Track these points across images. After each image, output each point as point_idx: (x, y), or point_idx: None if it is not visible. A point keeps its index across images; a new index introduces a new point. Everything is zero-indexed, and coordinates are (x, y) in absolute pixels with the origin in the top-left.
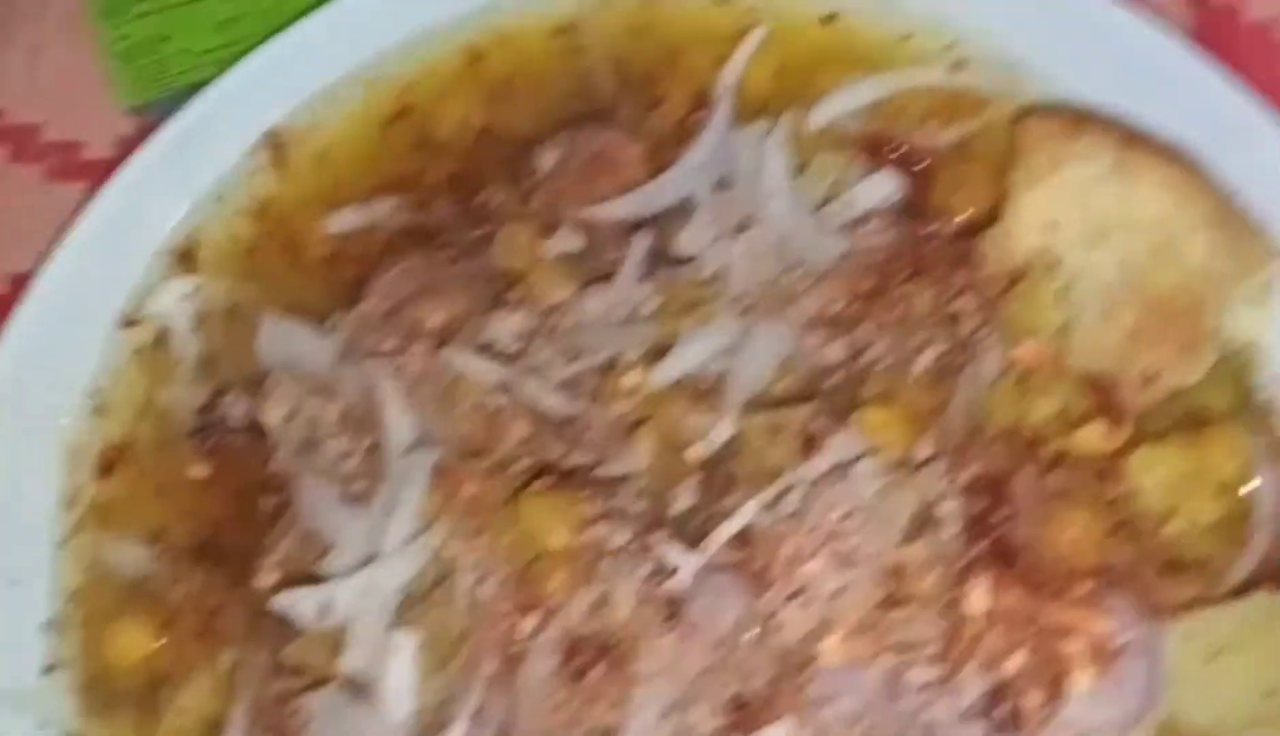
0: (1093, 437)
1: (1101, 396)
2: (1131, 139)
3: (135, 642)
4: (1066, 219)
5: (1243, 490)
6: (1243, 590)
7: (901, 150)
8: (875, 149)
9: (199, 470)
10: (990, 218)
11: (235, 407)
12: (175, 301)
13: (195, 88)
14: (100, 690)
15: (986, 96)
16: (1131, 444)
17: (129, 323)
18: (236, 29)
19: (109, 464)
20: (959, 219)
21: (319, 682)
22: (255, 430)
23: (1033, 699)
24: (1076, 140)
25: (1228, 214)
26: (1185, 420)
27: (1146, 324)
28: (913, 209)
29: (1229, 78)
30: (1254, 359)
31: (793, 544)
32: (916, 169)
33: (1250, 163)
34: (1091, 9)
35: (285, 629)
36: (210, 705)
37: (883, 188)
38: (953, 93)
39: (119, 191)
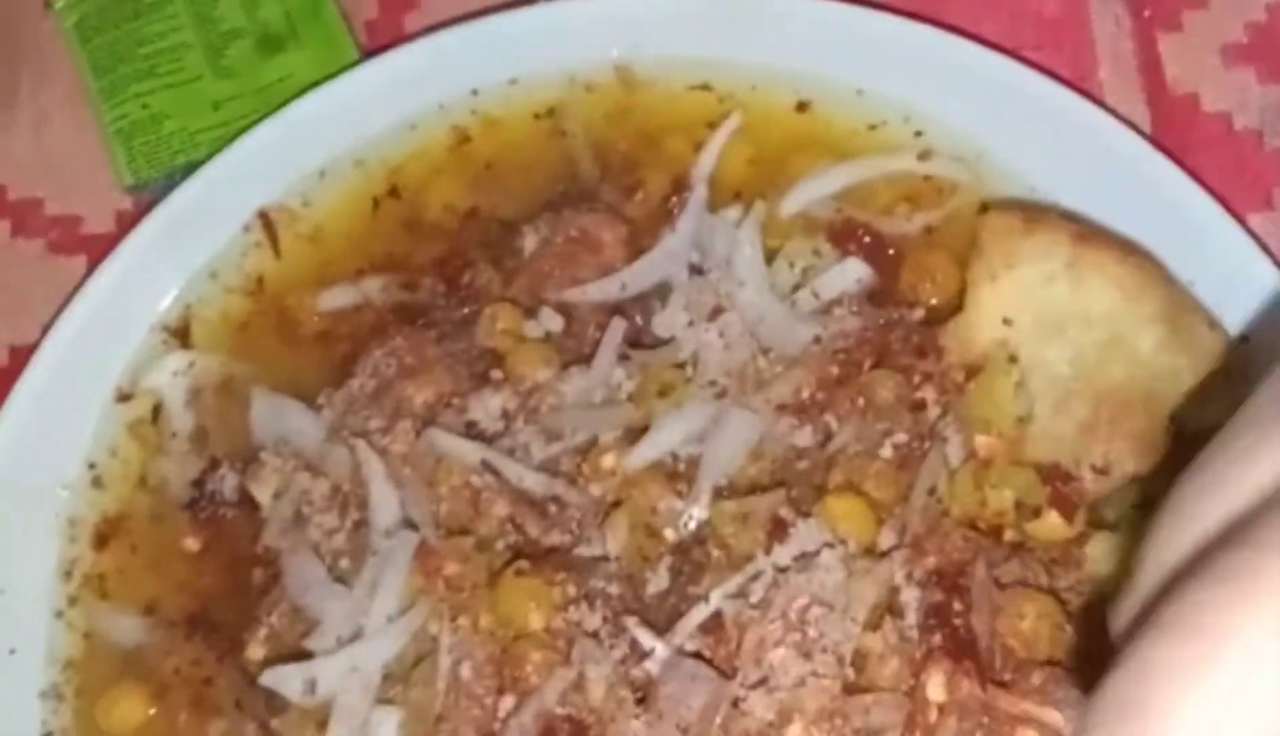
0: (1049, 527)
1: (1057, 487)
2: (1085, 236)
3: (129, 713)
4: (1022, 314)
5: None
6: None
7: (870, 238)
8: (845, 236)
9: (192, 542)
10: (954, 306)
11: (227, 481)
12: (169, 377)
13: (192, 166)
14: None
15: (952, 185)
16: (1089, 532)
17: (124, 397)
18: (231, 109)
19: (105, 535)
20: (924, 306)
21: None
22: (247, 504)
23: None
24: (1031, 237)
25: (1178, 310)
26: (1141, 506)
27: (1099, 416)
28: (881, 296)
29: (1183, 173)
30: None
31: (758, 632)
32: (885, 256)
33: (1203, 257)
34: (1052, 102)
35: (274, 701)
36: None
37: (852, 274)
38: (920, 181)
39: (115, 268)
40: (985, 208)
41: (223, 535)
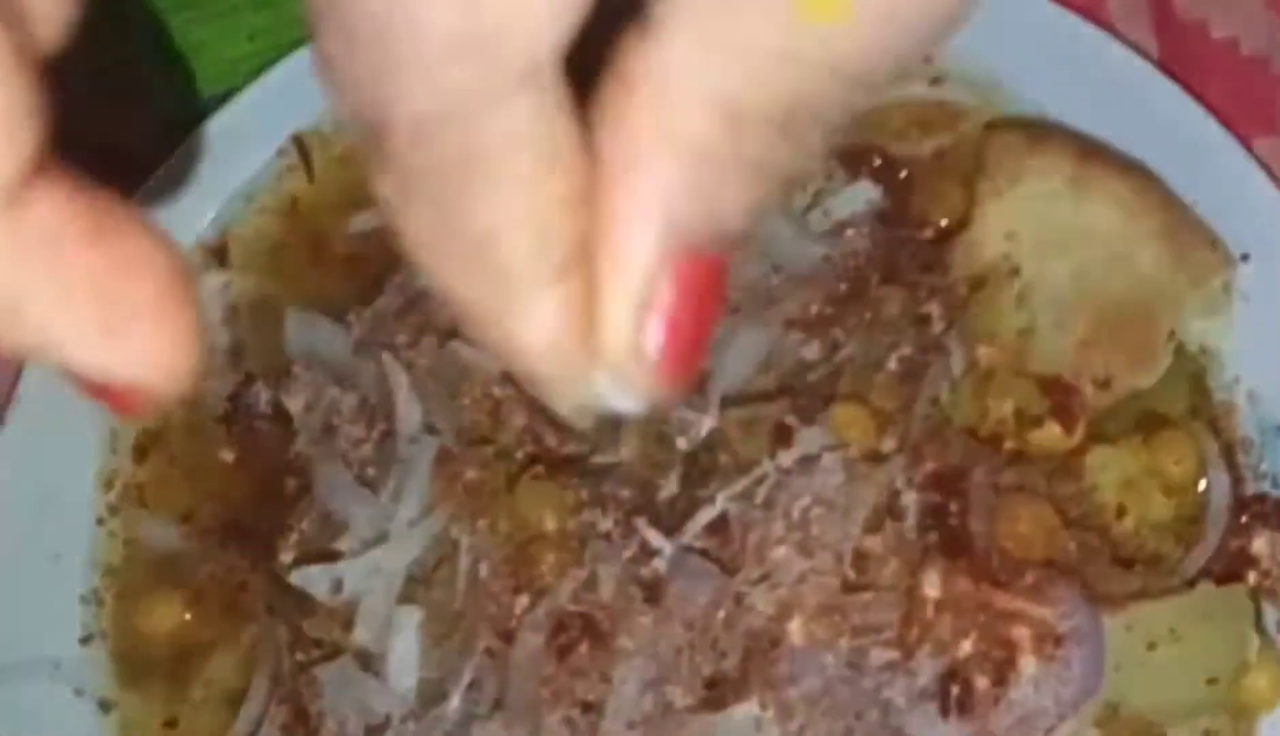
0: (1049, 437)
1: (1058, 398)
2: (1089, 153)
3: (165, 617)
4: (1025, 229)
5: (1195, 490)
6: (1191, 584)
7: (882, 161)
8: (857, 159)
9: (227, 454)
10: (962, 226)
11: (261, 396)
12: (207, 295)
13: (229, 94)
14: (132, 661)
15: (963, 110)
16: (1088, 443)
17: None
18: (267, 39)
19: (145, 447)
20: (934, 227)
21: (333, 655)
22: (280, 417)
23: (982, 681)
24: (1036, 155)
25: (1179, 227)
26: (1142, 421)
27: (1100, 331)
28: (891, 217)
29: (1188, 95)
30: (1210, 364)
31: (761, 531)
32: (896, 179)
33: (1205, 177)
34: (1061, 28)
35: (303, 605)
36: (234, 676)
37: (863, 196)
38: (931, 106)
39: (155, 191)
40: (992, 127)
41: (257, 447)
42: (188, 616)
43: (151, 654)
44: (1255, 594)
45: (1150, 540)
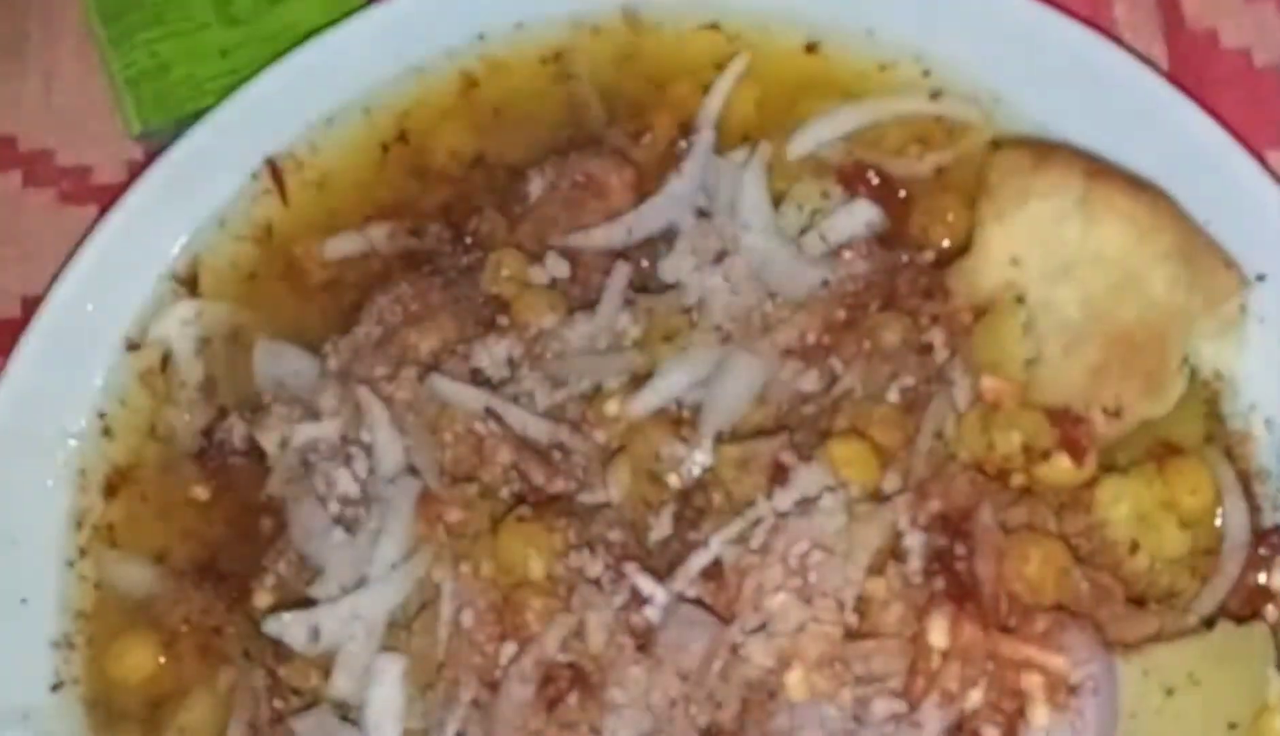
0: (1058, 470)
1: (1066, 430)
2: (1097, 172)
3: (139, 661)
4: (1031, 254)
5: (1211, 522)
6: (1209, 622)
7: (880, 180)
8: (854, 178)
9: (201, 491)
10: (966, 248)
11: (236, 431)
12: (178, 326)
13: (200, 113)
14: (105, 707)
15: (963, 125)
16: (1099, 475)
17: (133, 346)
18: (239, 56)
19: (115, 485)
20: (935, 249)
21: (312, 704)
22: (256, 453)
23: (992, 732)
24: (1042, 175)
25: (1192, 247)
26: (1155, 451)
27: (1110, 358)
28: (891, 239)
29: (1199, 109)
30: (1223, 390)
31: (757, 577)
32: (895, 199)
33: (1218, 194)
34: (1065, 39)
35: (281, 650)
36: (209, 724)
37: (861, 217)
38: (930, 122)
39: (122, 217)
40: (996, 146)
41: (231, 484)
42: (162, 660)
43: (125, 701)
44: (1275, 630)
45: (1164, 576)
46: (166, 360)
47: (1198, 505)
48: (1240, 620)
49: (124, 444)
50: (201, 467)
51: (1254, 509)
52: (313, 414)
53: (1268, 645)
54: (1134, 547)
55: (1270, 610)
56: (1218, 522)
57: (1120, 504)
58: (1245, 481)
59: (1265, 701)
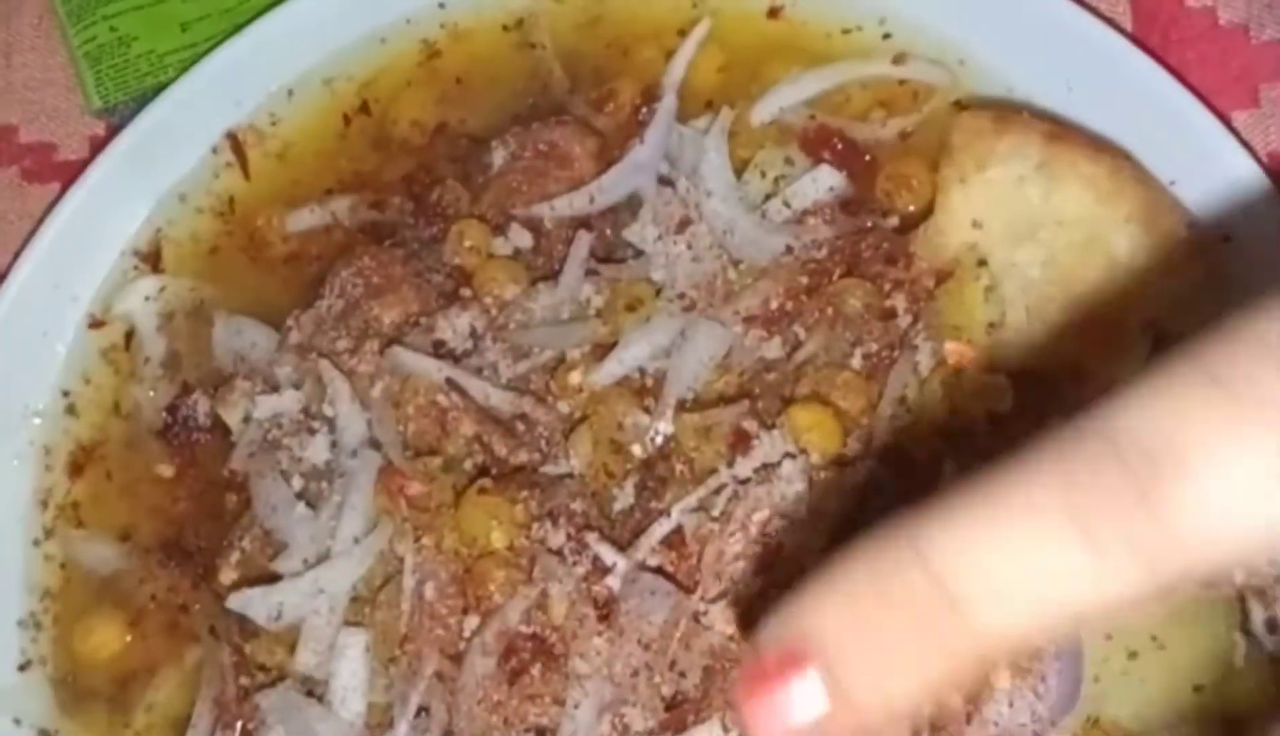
0: (1022, 435)
1: (1030, 393)
2: (1057, 135)
3: (105, 640)
4: (992, 217)
5: None
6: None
7: (844, 145)
8: (818, 144)
9: (166, 469)
10: (930, 213)
11: (200, 407)
12: (141, 302)
13: (161, 88)
14: (73, 687)
15: (928, 89)
16: None
17: (96, 323)
18: (200, 30)
19: (80, 463)
20: (900, 214)
21: (278, 680)
22: (220, 429)
23: (954, 698)
24: (1002, 138)
25: (1156, 209)
26: None
27: (1072, 321)
28: (855, 204)
29: (1163, 70)
30: None
31: (718, 545)
32: (859, 164)
33: (1183, 154)
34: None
35: (246, 627)
36: (177, 701)
37: (825, 183)
38: (895, 85)
39: (83, 193)
40: (960, 108)
41: (196, 460)
42: (129, 639)
43: (92, 679)
44: (1242, 594)
45: None
46: (130, 336)
47: None
48: (1206, 584)
49: (88, 421)
50: (166, 444)
51: None
52: (279, 389)
53: (1233, 608)
54: None
55: (1236, 573)
56: None
57: None
58: None
59: (1231, 664)
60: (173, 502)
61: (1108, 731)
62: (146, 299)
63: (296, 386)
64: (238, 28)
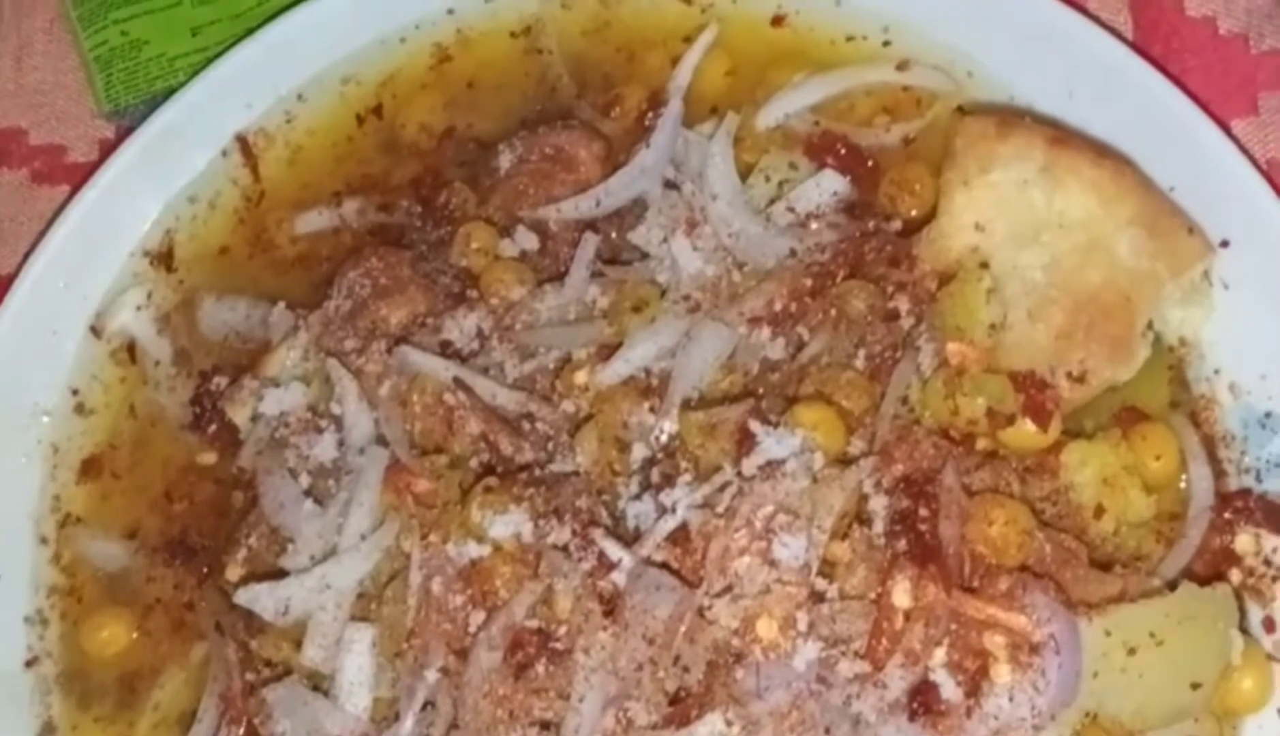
0: (1023, 435)
1: (1031, 394)
2: (1060, 139)
3: (113, 636)
4: (996, 220)
5: (1176, 486)
6: (1173, 585)
7: (847, 150)
8: (822, 149)
9: (207, 455)
10: (932, 217)
11: (223, 384)
12: (133, 313)
13: (171, 92)
14: (80, 682)
15: (931, 96)
16: (1064, 440)
17: (99, 333)
18: (210, 34)
19: (88, 462)
20: (903, 218)
21: (284, 674)
22: (227, 429)
23: (955, 692)
24: (1005, 141)
25: (1156, 213)
26: (1120, 416)
27: (1075, 323)
28: (858, 208)
29: (1164, 78)
30: (1188, 356)
31: (723, 541)
32: (863, 169)
33: (1183, 160)
34: (1032, 7)
35: (253, 622)
36: (184, 697)
37: (828, 187)
38: (898, 92)
39: (93, 194)
40: (963, 113)
41: (236, 440)
42: (135, 635)
43: (99, 675)
44: (1239, 593)
45: (1130, 539)
46: (132, 349)
47: (1162, 470)
48: (1205, 583)
49: (97, 420)
50: (201, 433)
51: (1218, 473)
52: (285, 387)
53: (1231, 606)
54: (1099, 511)
55: (1234, 573)
56: (1182, 487)
57: (1085, 468)
58: (1210, 446)
59: (1229, 661)
60: (179, 501)
61: (1106, 727)
62: (138, 309)
63: (303, 380)
64: (248, 32)
